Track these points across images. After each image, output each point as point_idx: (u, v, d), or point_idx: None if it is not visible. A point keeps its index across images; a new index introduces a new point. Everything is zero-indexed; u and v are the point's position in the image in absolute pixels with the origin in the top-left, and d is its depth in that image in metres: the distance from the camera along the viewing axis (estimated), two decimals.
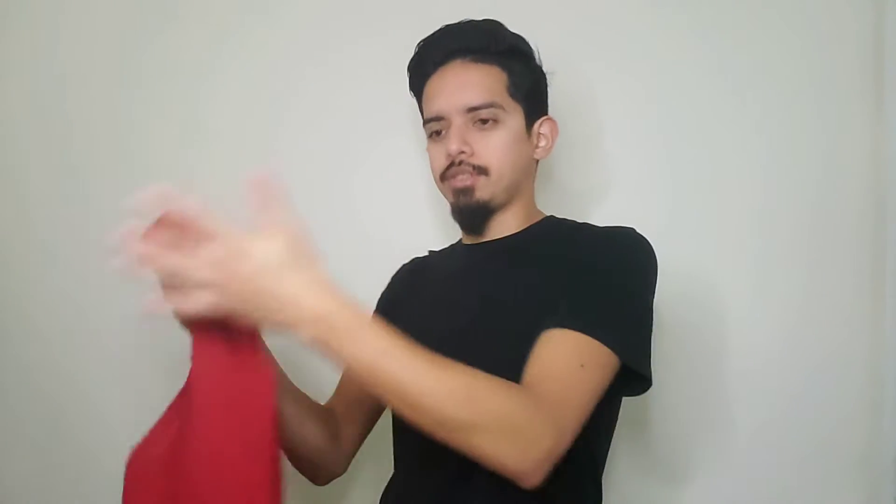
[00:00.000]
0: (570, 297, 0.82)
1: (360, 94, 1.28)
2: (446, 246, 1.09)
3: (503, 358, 0.78)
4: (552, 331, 0.79)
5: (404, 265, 1.11)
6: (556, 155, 1.18)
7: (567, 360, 0.77)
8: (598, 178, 1.23)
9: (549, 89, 1.02)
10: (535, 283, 0.88)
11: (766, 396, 1.17)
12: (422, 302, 1.00)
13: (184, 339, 1.47)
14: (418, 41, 1.00)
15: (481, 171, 0.92)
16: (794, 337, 1.17)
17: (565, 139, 1.16)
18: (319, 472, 0.98)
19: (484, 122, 0.92)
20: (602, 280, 0.85)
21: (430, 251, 1.10)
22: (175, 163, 1.37)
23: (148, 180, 1.51)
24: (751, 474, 1.18)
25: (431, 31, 0.99)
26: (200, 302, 0.62)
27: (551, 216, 1.01)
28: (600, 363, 0.79)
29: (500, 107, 0.93)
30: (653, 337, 0.87)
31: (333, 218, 1.31)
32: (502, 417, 0.68)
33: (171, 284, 0.64)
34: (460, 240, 1.07)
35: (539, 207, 1.02)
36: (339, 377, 1.03)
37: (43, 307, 1.43)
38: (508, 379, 0.73)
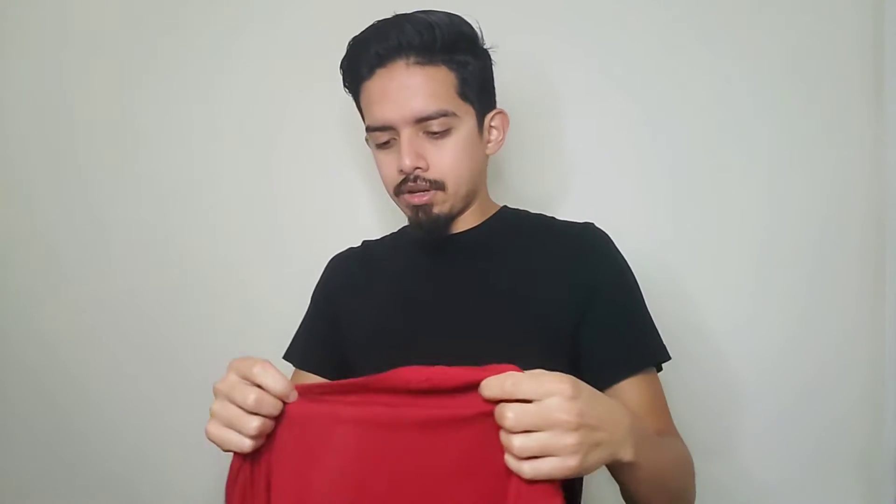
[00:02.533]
0: (613, 339, 0.86)
1: None
2: (384, 235, 1.06)
3: (487, 355, 0.83)
4: (628, 383, 0.85)
5: (339, 255, 1.05)
6: (554, 153, 1.19)
7: (660, 402, 0.88)
8: (596, 178, 1.23)
9: (505, 82, 0.97)
10: (509, 280, 0.89)
11: (768, 398, 1.18)
12: (380, 297, 0.96)
13: (183, 341, 1.48)
14: (350, 39, 0.92)
15: (437, 185, 0.88)
16: (796, 338, 1.17)
17: (565, 136, 1.16)
18: None
19: (435, 130, 0.86)
20: (619, 309, 0.89)
21: (365, 241, 1.06)
22: (176, 163, 1.38)
23: (149, 181, 1.52)
24: (752, 474, 1.18)
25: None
26: (574, 451, 0.59)
27: (505, 206, 1.00)
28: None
29: (452, 114, 0.86)
30: None
31: (334, 217, 1.31)
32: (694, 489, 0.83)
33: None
34: (403, 229, 1.04)
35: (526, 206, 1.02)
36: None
37: (43, 307, 1.43)
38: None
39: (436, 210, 0.89)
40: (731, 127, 1.18)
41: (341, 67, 0.93)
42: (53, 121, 1.43)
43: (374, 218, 1.29)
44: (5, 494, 1.46)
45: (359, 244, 1.06)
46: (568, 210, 1.16)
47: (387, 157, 0.90)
